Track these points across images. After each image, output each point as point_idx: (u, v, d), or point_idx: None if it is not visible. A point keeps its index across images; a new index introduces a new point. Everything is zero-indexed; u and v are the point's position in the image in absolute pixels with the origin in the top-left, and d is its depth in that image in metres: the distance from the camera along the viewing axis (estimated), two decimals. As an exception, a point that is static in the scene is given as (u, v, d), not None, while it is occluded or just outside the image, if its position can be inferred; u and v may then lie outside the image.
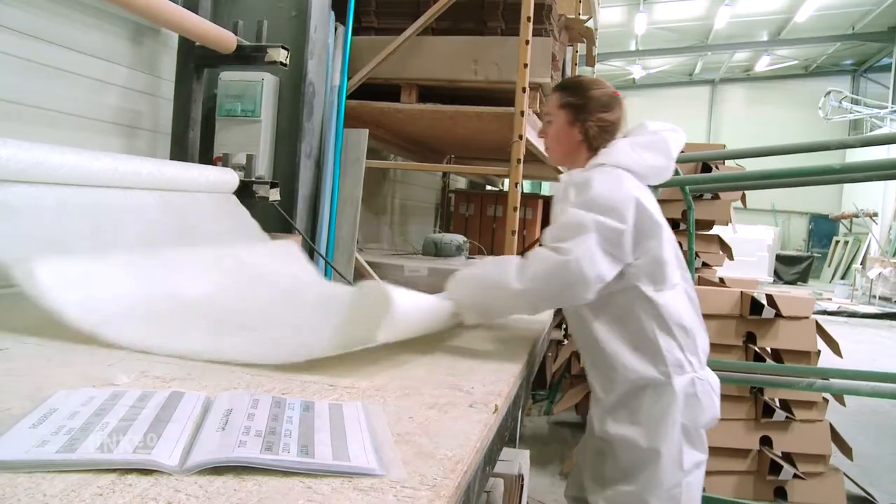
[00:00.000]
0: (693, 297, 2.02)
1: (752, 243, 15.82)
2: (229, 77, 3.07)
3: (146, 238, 2.09)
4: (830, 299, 15.60)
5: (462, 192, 7.54)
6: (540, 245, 1.83)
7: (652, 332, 1.88)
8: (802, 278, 20.15)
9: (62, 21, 2.46)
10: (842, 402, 3.82)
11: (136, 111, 2.87)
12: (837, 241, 21.45)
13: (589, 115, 2.00)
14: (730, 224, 5.49)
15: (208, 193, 2.55)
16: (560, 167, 2.09)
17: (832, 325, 11.53)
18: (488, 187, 8.55)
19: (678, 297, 1.95)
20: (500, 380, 1.50)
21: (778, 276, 19.26)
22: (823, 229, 23.47)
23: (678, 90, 25.27)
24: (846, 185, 21.21)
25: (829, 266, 21.31)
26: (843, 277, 19.00)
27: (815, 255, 21.66)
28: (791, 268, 20.16)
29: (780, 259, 19.88)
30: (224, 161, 2.90)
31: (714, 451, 3.72)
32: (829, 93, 19.30)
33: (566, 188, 1.93)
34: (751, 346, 3.63)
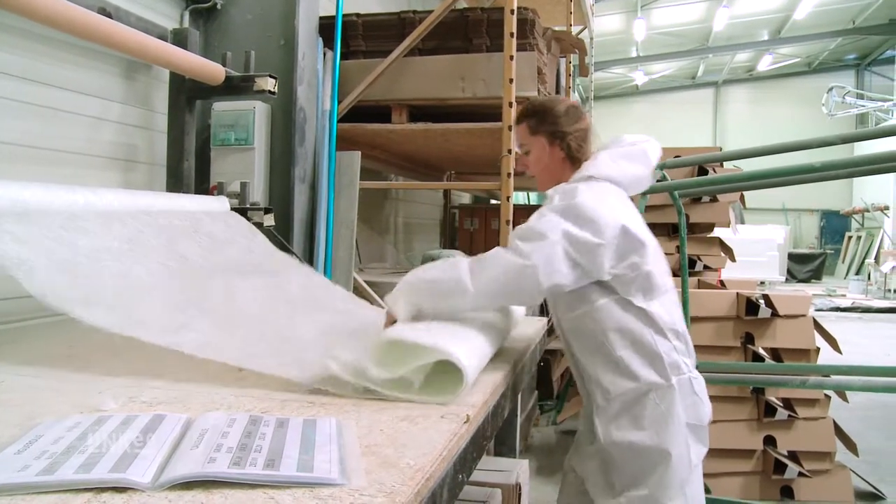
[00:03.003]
0: (678, 302, 2.08)
1: (761, 243, 15.74)
2: (222, 107, 3.15)
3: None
4: (845, 295, 15.52)
5: (466, 207, 7.60)
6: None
7: (650, 338, 1.92)
8: (816, 276, 20.04)
9: (57, 63, 2.54)
10: (844, 398, 3.84)
11: (131, 145, 2.95)
12: (850, 237, 21.31)
13: (565, 132, 2.05)
14: (731, 225, 5.53)
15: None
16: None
17: (846, 322, 11.60)
18: (493, 201, 8.56)
19: (669, 302, 2.00)
20: (477, 391, 1.55)
21: (791, 275, 19.15)
22: (835, 225, 23.33)
23: (682, 94, 25.26)
24: (856, 180, 21.09)
25: (842, 262, 21.17)
26: (857, 273, 18.89)
27: (828, 251, 21.55)
28: (804, 266, 20.08)
29: (793, 257, 19.77)
30: (220, 189, 2.98)
31: (719, 453, 3.78)
32: (831, 89, 19.23)
33: (553, 194, 1.93)
34: (749, 346, 3.66)
